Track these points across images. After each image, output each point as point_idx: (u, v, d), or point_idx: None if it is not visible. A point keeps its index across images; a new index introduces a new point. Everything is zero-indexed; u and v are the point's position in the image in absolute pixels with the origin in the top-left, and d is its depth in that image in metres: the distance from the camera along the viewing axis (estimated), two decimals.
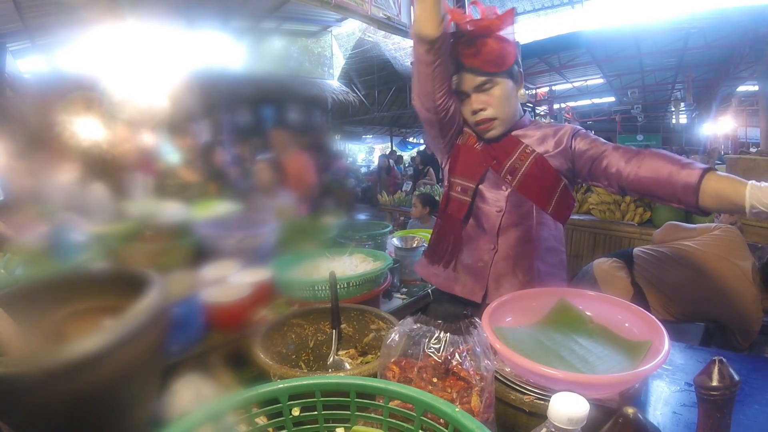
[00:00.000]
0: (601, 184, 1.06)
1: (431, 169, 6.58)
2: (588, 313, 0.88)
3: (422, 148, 8.50)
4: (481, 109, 1.06)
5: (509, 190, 1.10)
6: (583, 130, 1.11)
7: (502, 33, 1.02)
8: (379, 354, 0.71)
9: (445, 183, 1.23)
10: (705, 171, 0.87)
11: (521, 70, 1.11)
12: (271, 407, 0.55)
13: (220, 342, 0.99)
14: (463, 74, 1.06)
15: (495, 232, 1.12)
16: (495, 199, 1.11)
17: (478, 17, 1.02)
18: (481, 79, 1.04)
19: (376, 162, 9.72)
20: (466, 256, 1.17)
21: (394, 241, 1.96)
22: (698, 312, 1.52)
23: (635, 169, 0.96)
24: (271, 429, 0.56)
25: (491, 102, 1.05)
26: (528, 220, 1.11)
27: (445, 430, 0.50)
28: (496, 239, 1.12)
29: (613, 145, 1.04)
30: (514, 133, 1.12)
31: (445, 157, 1.22)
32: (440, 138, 1.16)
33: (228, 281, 1.11)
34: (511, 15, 1.02)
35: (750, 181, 0.81)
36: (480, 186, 1.12)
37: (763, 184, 0.80)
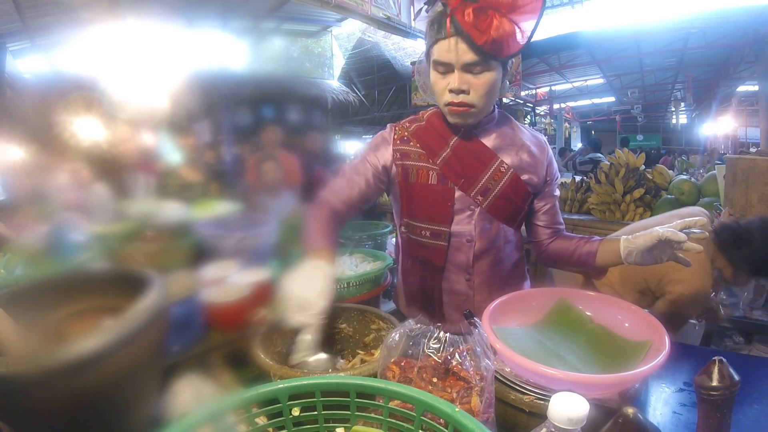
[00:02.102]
0: (527, 219, 1.11)
1: None
2: (588, 313, 0.88)
3: None
4: (463, 91, 0.89)
5: (477, 209, 1.01)
6: (558, 175, 1.10)
7: (521, 14, 0.84)
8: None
9: (402, 227, 1.09)
10: (600, 240, 1.01)
11: (514, 60, 1.00)
12: (271, 407, 0.55)
13: (220, 342, 0.99)
14: (456, 42, 0.85)
15: (470, 264, 1.04)
16: (463, 230, 1.02)
17: None
18: (475, 58, 0.86)
19: None
20: (446, 295, 1.10)
21: (394, 241, 1.96)
22: (638, 276, 1.51)
23: (551, 244, 1.10)
24: (271, 429, 0.56)
25: (477, 87, 0.89)
26: (496, 242, 1.05)
27: (445, 430, 0.50)
28: (471, 269, 1.05)
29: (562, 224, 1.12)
30: (484, 137, 1.01)
31: (392, 198, 1.11)
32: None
33: (228, 281, 1.10)
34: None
35: (622, 237, 0.94)
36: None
37: (634, 235, 0.92)
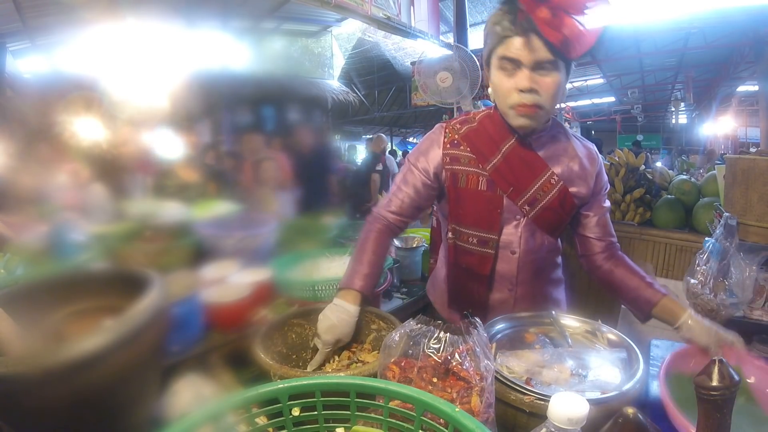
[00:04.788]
0: (577, 231, 1.08)
1: None
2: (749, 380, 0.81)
3: None
4: (533, 91, 0.87)
5: (523, 219, 1.00)
6: (608, 186, 1.07)
7: (587, 15, 0.83)
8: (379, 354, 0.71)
9: (449, 233, 1.07)
10: (663, 294, 0.96)
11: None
12: (271, 407, 0.55)
13: (220, 342, 0.99)
14: (530, 39, 0.83)
15: (514, 274, 1.03)
16: (509, 240, 1.01)
17: None
18: (548, 56, 0.84)
19: None
20: (490, 303, 1.09)
21: (395, 241, 1.97)
22: None
23: (610, 266, 1.04)
24: (271, 429, 0.56)
25: (545, 87, 0.87)
26: (540, 252, 1.03)
27: (445, 430, 0.50)
28: (515, 279, 1.04)
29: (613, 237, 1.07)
30: (537, 146, 0.98)
31: (441, 200, 1.09)
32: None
33: (228, 281, 1.11)
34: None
35: (688, 310, 0.89)
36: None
37: (699, 319, 0.87)
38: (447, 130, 1.03)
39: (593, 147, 1.06)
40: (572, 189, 0.99)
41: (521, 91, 0.87)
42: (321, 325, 0.90)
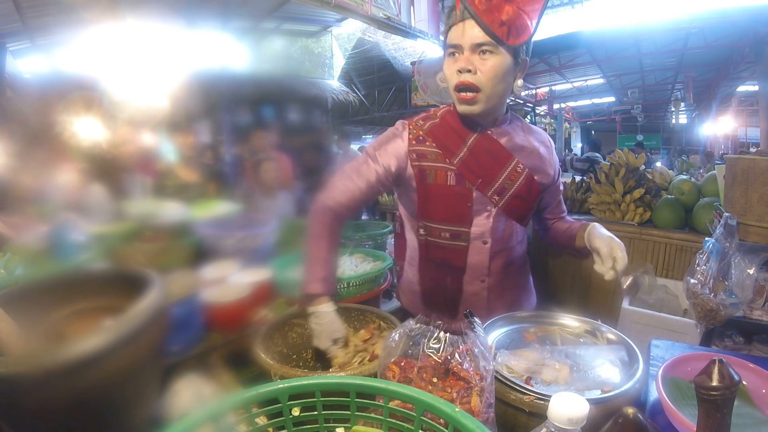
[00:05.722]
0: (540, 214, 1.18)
1: None
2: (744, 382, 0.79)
3: None
4: (469, 71, 0.90)
5: (494, 210, 1.01)
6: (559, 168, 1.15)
7: (527, 3, 0.88)
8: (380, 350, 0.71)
9: (420, 229, 1.07)
10: (581, 224, 1.07)
11: (527, 59, 0.97)
12: (271, 407, 0.55)
13: (220, 342, 0.99)
14: (468, 24, 0.88)
15: (486, 265, 1.05)
16: (481, 231, 1.02)
17: None
18: (483, 39, 0.87)
19: None
20: (462, 296, 1.10)
21: (394, 241, 1.97)
22: None
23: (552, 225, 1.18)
24: (271, 429, 0.56)
25: (484, 69, 0.89)
26: (509, 242, 1.06)
27: (445, 430, 0.50)
28: (487, 270, 1.06)
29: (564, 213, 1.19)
30: (500, 138, 1.01)
31: (403, 198, 1.09)
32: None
33: (228, 281, 1.11)
34: None
35: (593, 224, 1.00)
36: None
37: (601, 229, 0.96)
38: (411, 127, 1.03)
39: (545, 134, 1.13)
40: (535, 177, 1.04)
41: (459, 71, 0.91)
42: (315, 334, 0.93)
